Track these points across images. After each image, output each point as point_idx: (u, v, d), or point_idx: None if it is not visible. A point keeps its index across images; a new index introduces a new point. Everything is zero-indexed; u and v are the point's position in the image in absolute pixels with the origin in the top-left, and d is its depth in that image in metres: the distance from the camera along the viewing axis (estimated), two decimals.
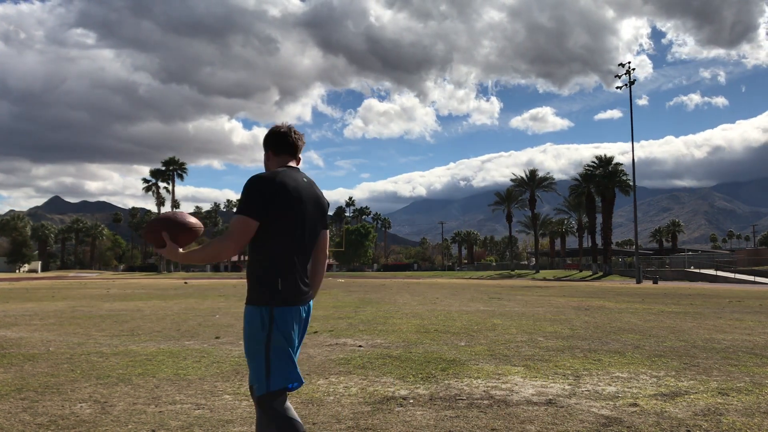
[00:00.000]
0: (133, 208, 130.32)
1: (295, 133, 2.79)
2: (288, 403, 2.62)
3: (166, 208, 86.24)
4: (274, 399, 2.57)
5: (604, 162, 56.46)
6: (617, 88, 45.74)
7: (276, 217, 2.53)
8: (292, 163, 2.78)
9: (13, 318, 11.50)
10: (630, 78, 44.32)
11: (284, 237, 2.57)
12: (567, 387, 5.08)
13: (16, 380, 5.37)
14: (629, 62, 44.99)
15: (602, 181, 55.37)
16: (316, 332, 8.92)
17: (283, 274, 2.57)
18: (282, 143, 2.77)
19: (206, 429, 3.85)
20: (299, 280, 2.62)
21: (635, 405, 4.45)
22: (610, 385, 5.18)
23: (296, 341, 2.64)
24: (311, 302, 2.76)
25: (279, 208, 2.53)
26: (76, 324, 10.32)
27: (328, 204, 2.87)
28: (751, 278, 39.92)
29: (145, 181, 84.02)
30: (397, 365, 6.10)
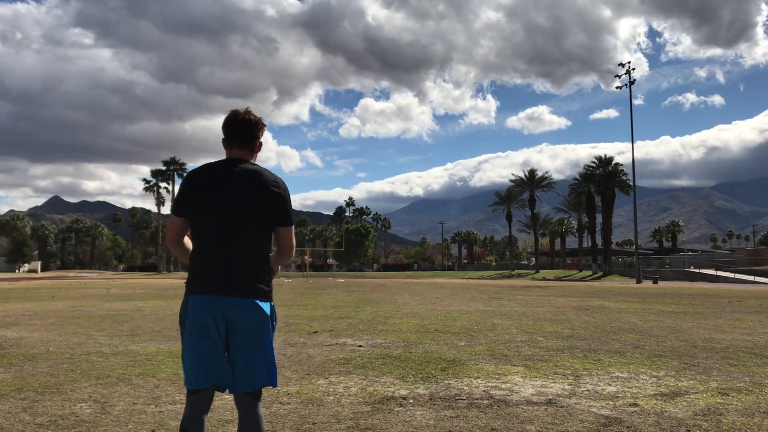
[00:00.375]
0: (133, 208, 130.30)
1: (240, 118, 2.64)
2: (197, 412, 2.52)
3: (166, 209, 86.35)
4: (188, 395, 2.56)
5: (604, 162, 56.53)
6: (617, 88, 45.77)
7: (190, 210, 2.57)
8: (239, 154, 2.65)
9: (13, 318, 11.49)
10: (630, 78, 44.35)
11: (197, 228, 2.58)
12: (567, 387, 5.08)
13: (16, 380, 5.37)
14: (629, 62, 45.05)
15: (602, 180, 55.42)
16: (316, 332, 8.92)
17: (194, 265, 2.57)
18: (224, 130, 2.68)
19: (206, 429, 3.84)
20: (213, 272, 2.50)
21: (635, 405, 4.45)
22: (610, 385, 5.18)
23: (216, 339, 2.47)
24: (262, 303, 2.54)
25: (189, 201, 2.56)
26: (76, 324, 10.32)
27: (282, 199, 2.60)
28: (751, 278, 39.94)
29: (146, 181, 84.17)
30: (397, 365, 6.10)
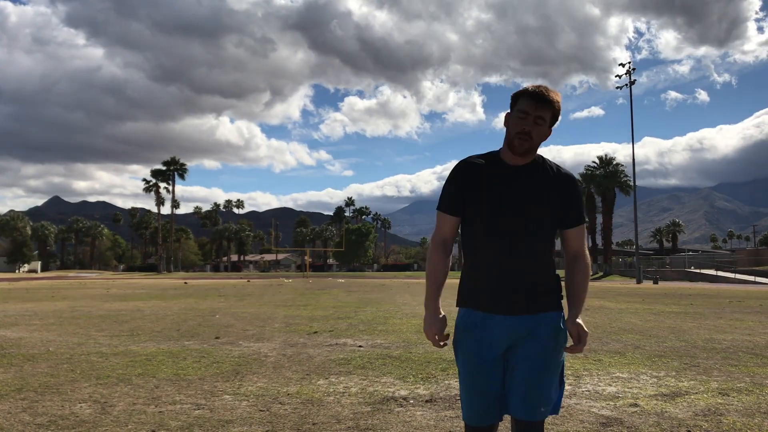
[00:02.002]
0: (133, 208, 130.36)
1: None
2: None
3: (166, 209, 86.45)
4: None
5: (605, 162, 56.65)
6: (617, 87, 45.73)
7: None
8: None
9: (13, 318, 11.49)
10: (630, 78, 44.30)
11: None
12: (567, 387, 5.07)
13: (16, 380, 5.36)
14: (629, 62, 44.98)
15: (603, 181, 55.53)
16: (316, 332, 8.92)
17: None
18: None
19: (206, 429, 3.84)
20: None
21: (635, 405, 4.45)
22: (610, 385, 5.17)
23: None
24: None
25: None
26: (76, 324, 10.31)
27: None
28: (751, 278, 39.90)
29: (146, 181, 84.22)
30: (397, 365, 6.10)
